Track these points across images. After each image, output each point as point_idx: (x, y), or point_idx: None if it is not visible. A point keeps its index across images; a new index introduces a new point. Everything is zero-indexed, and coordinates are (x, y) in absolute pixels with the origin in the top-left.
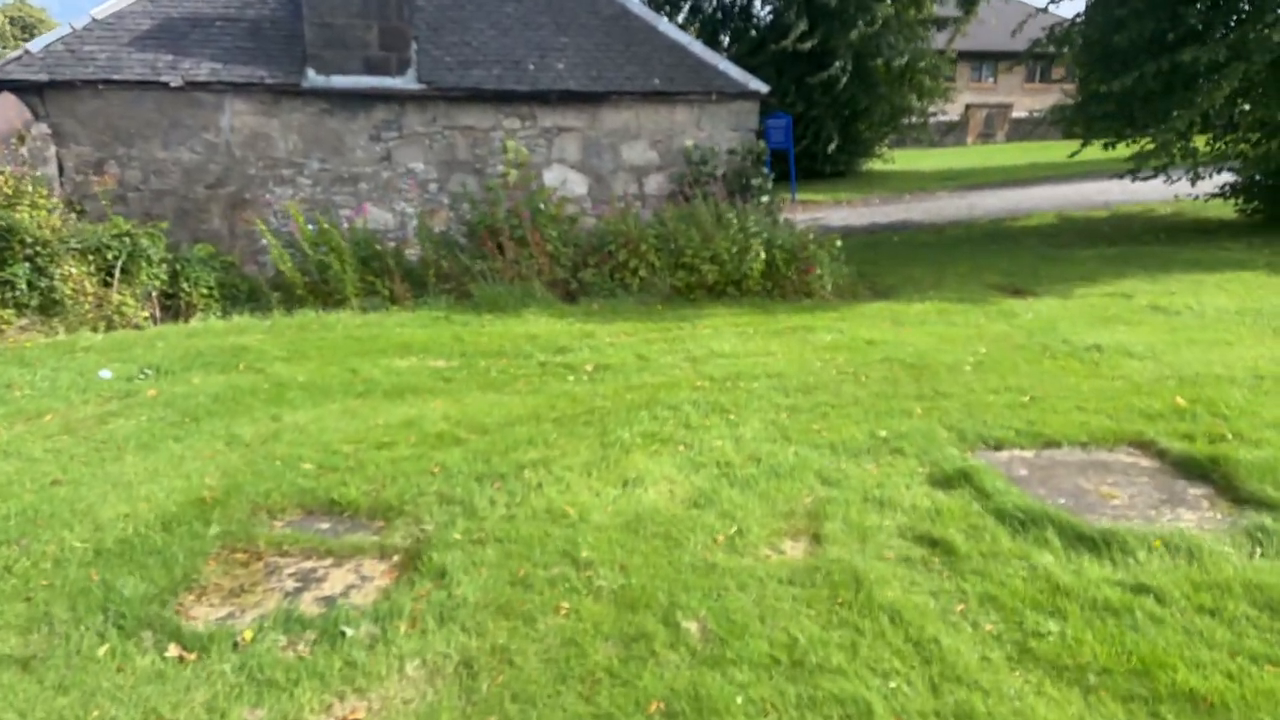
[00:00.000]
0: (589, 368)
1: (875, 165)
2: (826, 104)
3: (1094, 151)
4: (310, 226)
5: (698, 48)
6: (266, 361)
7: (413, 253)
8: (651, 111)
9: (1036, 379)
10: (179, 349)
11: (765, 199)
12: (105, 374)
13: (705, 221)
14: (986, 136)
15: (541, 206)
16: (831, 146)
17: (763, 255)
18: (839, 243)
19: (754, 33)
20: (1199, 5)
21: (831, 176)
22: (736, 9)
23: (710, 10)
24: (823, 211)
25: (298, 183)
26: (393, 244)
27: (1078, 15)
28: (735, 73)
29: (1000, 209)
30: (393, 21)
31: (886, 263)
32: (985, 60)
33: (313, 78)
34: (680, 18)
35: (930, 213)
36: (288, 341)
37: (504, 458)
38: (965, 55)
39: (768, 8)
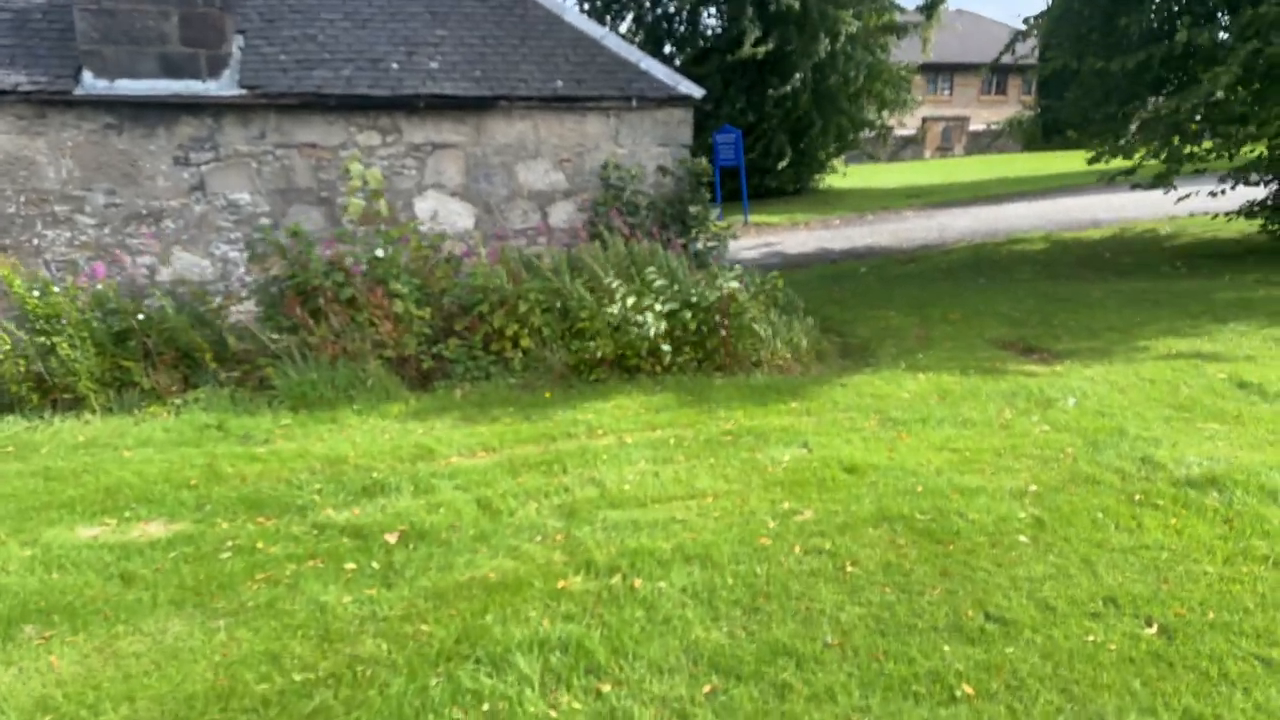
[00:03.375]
0: (392, 537)
1: (832, 181)
2: (779, 116)
3: (1068, 163)
4: (36, 292)
5: (612, 41)
6: None
7: (243, 312)
8: (555, 122)
9: (1147, 566)
10: None
11: (702, 234)
12: None
13: (601, 271)
14: (944, 150)
15: (380, 253)
16: (784, 162)
17: (659, 324)
18: (781, 284)
19: (701, 42)
20: None
21: (786, 194)
22: (681, 17)
23: (652, 20)
24: (778, 235)
25: (76, 222)
26: (216, 299)
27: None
28: (660, 73)
29: (976, 230)
30: (198, 7)
31: (856, 304)
32: (941, 72)
33: (90, 83)
34: (624, 27)
35: (898, 236)
36: None
37: None
38: (921, 68)
39: (715, 17)
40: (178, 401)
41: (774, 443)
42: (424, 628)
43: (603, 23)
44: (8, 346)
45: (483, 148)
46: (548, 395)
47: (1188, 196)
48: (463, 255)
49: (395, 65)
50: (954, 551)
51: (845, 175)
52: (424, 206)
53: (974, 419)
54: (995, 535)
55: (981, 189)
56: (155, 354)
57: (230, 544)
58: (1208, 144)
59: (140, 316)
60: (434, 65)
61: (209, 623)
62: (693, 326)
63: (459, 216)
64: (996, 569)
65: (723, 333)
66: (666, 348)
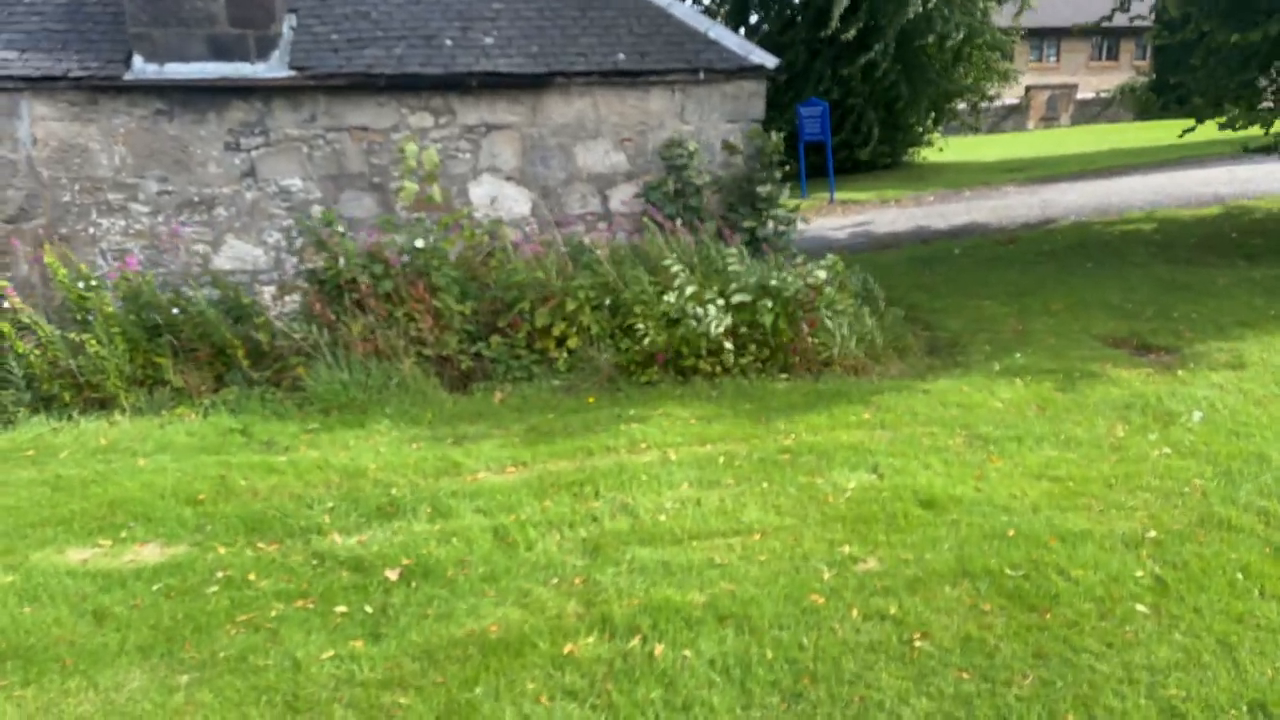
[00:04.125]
0: (394, 574)
1: (927, 155)
2: (867, 91)
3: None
4: (80, 282)
5: (680, 9)
6: None
7: (296, 302)
8: (615, 99)
9: None
10: None
11: (773, 219)
12: None
13: (663, 255)
14: (1049, 120)
15: (420, 243)
16: (873, 139)
17: (724, 319)
18: (871, 283)
19: (789, 10)
20: None
21: (877, 169)
22: None
23: None
24: (867, 213)
25: (130, 211)
26: (269, 288)
27: None
28: (731, 41)
29: (1083, 207)
30: None
31: (946, 290)
32: (1046, 38)
33: (140, 68)
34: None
35: (997, 213)
36: None
37: None
38: (1026, 32)
39: None
40: (207, 402)
41: (838, 464)
42: (403, 700)
43: None
44: (36, 343)
45: (539, 128)
46: (590, 400)
47: None
48: (517, 244)
49: (449, 42)
50: (1052, 623)
51: (942, 149)
52: (479, 192)
53: (1079, 438)
54: (1105, 602)
55: (1090, 161)
56: (188, 350)
57: (221, 575)
58: None
59: (175, 311)
60: (489, 41)
61: (172, 678)
62: (768, 321)
63: (515, 202)
64: (1106, 650)
65: (804, 327)
66: (729, 345)
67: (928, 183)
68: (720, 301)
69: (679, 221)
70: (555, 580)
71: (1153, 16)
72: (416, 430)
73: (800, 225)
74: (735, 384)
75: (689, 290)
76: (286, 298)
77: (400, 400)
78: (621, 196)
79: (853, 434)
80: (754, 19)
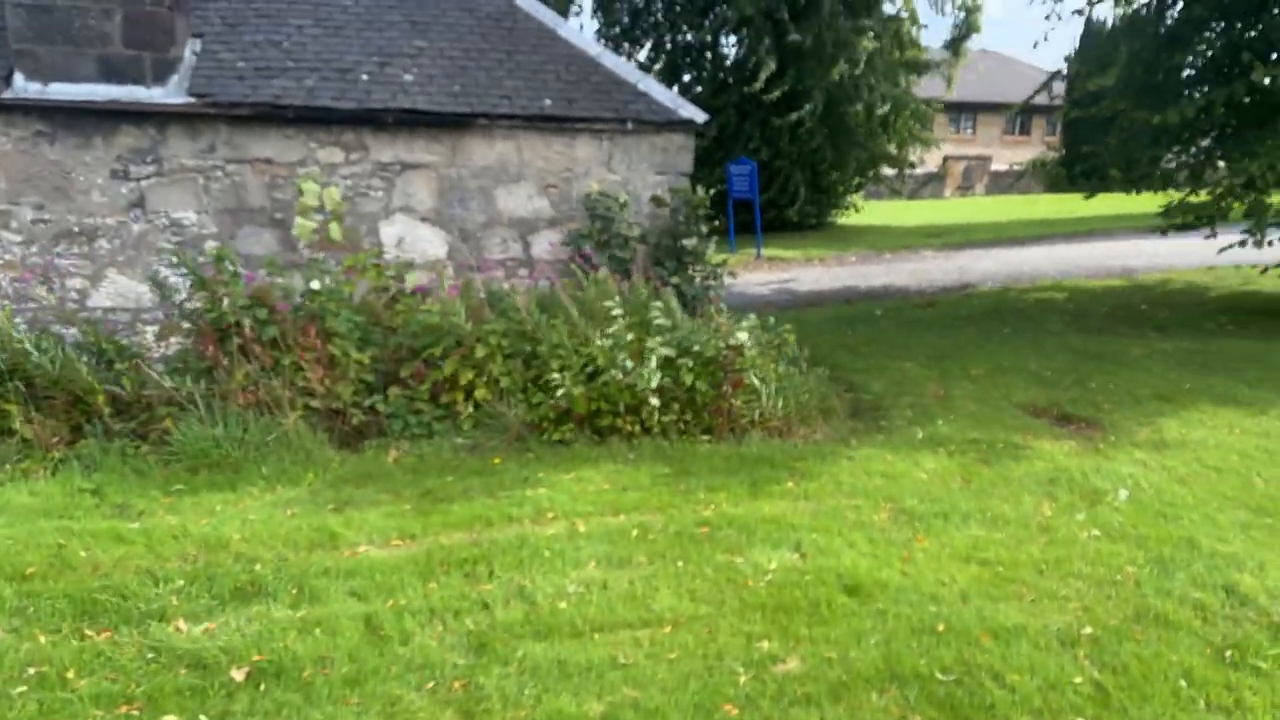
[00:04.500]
0: (240, 674)
1: (849, 218)
2: (795, 152)
3: (1094, 206)
4: None
5: (609, 59)
6: None
7: (178, 343)
8: (541, 144)
9: None
10: None
11: (699, 274)
12: None
13: (580, 312)
14: (966, 189)
15: (314, 285)
16: (800, 199)
17: (656, 374)
18: (792, 339)
19: (720, 74)
20: None
21: (803, 229)
22: (701, 46)
23: (671, 49)
24: (791, 271)
25: (1, 240)
26: (152, 328)
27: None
28: (660, 94)
29: (998, 274)
30: (145, 6)
31: (869, 351)
32: (964, 111)
33: (21, 86)
34: (642, 55)
35: (916, 276)
36: None
37: None
38: (944, 106)
39: (734, 47)
40: (58, 457)
41: (760, 541)
42: None
43: (621, 52)
44: None
45: (459, 169)
46: (496, 461)
47: (1230, 247)
48: (418, 290)
49: (365, 76)
50: None
51: (863, 211)
52: (390, 232)
53: (1006, 516)
54: (1043, 714)
55: (1004, 230)
56: (43, 398)
57: (34, 671)
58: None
59: (31, 352)
60: (408, 78)
61: None
62: (688, 381)
63: (429, 244)
64: None
65: (727, 389)
66: (655, 402)
67: (850, 244)
68: (659, 351)
69: (603, 270)
70: (431, 684)
71: (1064, 97)
72: (295, 493)
73: (728, 280)
74: (655, 445)
75: (627, 337)
76: (171, 339)
77: (280, 458)
78: (544, 243)
79: (775, 505)
80: (687, 78)
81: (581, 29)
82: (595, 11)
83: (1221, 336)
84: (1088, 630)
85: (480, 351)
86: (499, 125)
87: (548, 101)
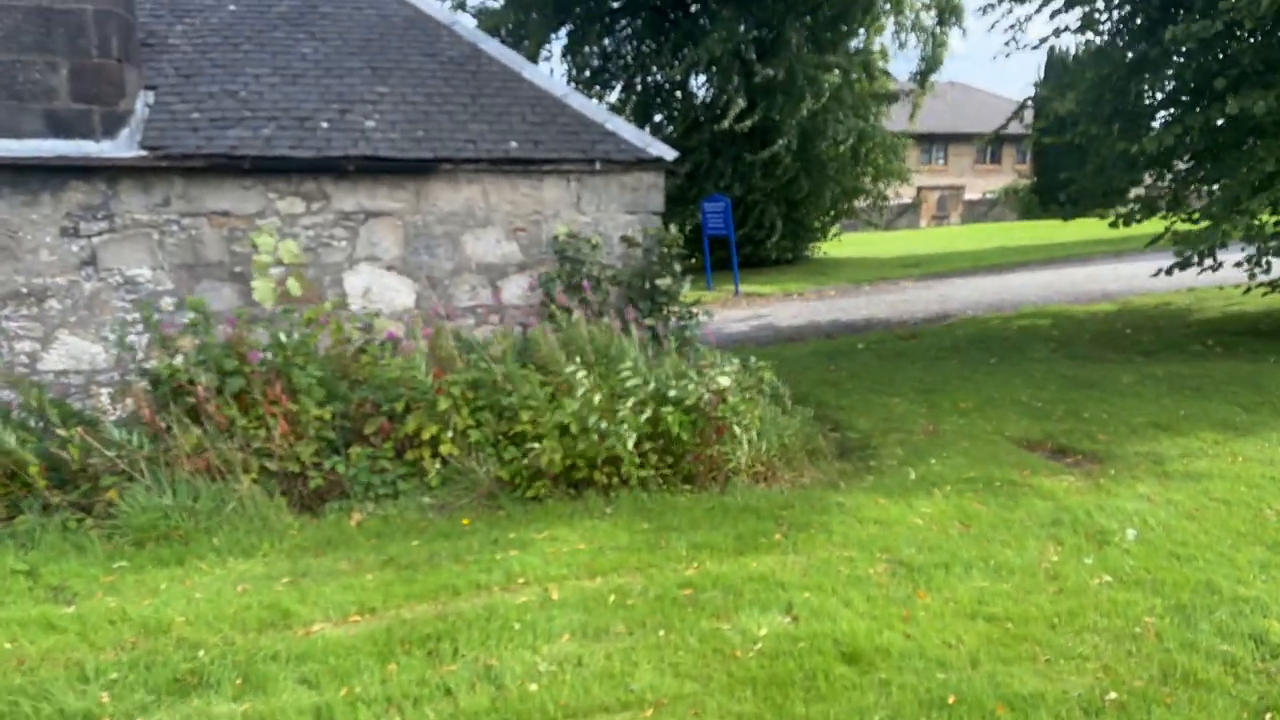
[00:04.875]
0: None
1: (827, 250)
2: (769, 187)
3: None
4: None
5: (576, 100)
6: None
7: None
8: (508, 187)
9: None
10: None
11: (673, 312)
12: None
13: (559, 357)
14: (940, 219)
15: (283, 338)
16: (776, 231)
17: (630, 435)
18: (770, 377)
19: (692, 113)
20: (1258, 39)
21: (780, 263)
22: (671, 86)
23: (642, 90)
24: (770, 306)
25: None
26: (108, 390)
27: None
28: (629, 133)
29: (980, 302)
30: (93, 59)
31: (853, 388)
32: (935, 142)
33: None
34: (613, 97)
35: (897, 308)
36: None
37: None
38: (916, 137)
39: (704, 87)
40: None
41: (748, 603)
42: None
43: (592, 95)
44: None
45: (424, 216)
46: (465, 522)
47: (1206, 270)
48: (389, 338)
49: (325, 124)
50: None
51: (840, 243)
52: (356, 282)
53: (1011, 563)
54: None
55: (982, 258)
56: None
57: None
58: (1268, 216)
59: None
60: (370, 124)
61: None
62: (674, 430)
63: (396, 293)
64: None
65: (710, 435)
66: (634, 459)
67: (829, 277)
68: (631, 409)
69: (576, 314)
70: None
71: (1032, 125)
72: (247, 566)
73: (704, 319)
74: (633, 498)
75: (595, 399)
76: (128, 401)
77: (234, 528)
78: (515, 288)
79: (763, 561)
80: (658, 118)
81: (551, 73)
82: (565, 56)
83: (1210, 359)
84: (1112, 696)
85: (443, 404)
86: (464, 170)
87: (513, 144)
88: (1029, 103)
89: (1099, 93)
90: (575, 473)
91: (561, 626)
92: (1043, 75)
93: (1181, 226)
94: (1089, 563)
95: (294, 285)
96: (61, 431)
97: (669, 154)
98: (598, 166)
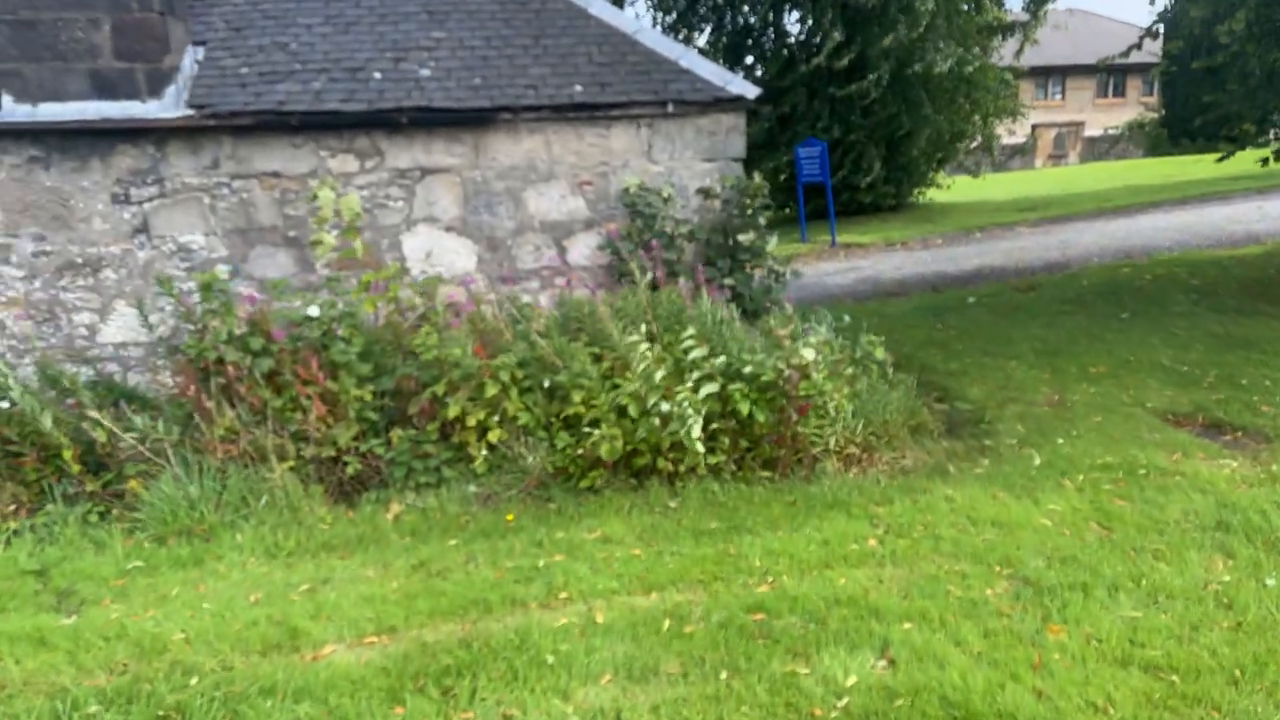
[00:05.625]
0: None
1: (934, 195)
2: (867, 127)
3: (1204, 169)
4: None
5: (648, 36)
6: None
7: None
8: (572, 136)
9: None
10: None
11: (761, 271)
12: None
13: (608, 328)
14: (1058, 158)
15: (314, 311)
16: (872, 176)
17: (699, 418)
18: (879, 353)
19: (785, 52)
20: None
21: (881, 210)
22: (766, 26)
23: (732, 31)
24: (870, 258)
25: (2, 275)
26: (166, 364)
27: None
28: (706, 70)
29: (1106, 248)
30: (134, 13)
31: (963, 347)
32: (1052, 75)
33: (9, 109)
34: (702, 40)
35: (1012, 256)
36: None
37: None
38: (1030, 71)
39: (799, 23)
40: (14, 527)
41: (832, 639)
42: None
43: (680, 39)
44: None
45: (483, 171)
46: (510, 518)
47: None
48: (455, 304)
49: (378, 75)
50: None
51: (948, 188)
52: (414, 244)
53: (1169, 585)
54: None
55: (1106, 199)
56: (13, 455)
57: None
58: None
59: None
60: (424, 73)
61: None
62: (743, 410)
63: (457, 255)
64: None
65: (791, 415)
66: (700, 446)
67: (935, 224)
68: (697, 393)
69: (648, 276)
70: None
71: (1163, 46)
72: (267, 569)
73: (800, 271)
74: (702, 489)
75: (657, 376)
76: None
77: (261, 521)
78: (582, 248)
79: (853, 576)
80: (750, 60)
81: (637, 17)
82: None
83: None
84: None
85: (490, 389)
86: (524, 119)
87: (578, 88)
88: (1166, 13)
89: (1266, 7)
90: (637, 459)
91: (603, 662)
92: None
93: None
94: (1272, 585)
95: (359, 246)
96: (94, 414)
97: (750, 91)
98: (670, 109)
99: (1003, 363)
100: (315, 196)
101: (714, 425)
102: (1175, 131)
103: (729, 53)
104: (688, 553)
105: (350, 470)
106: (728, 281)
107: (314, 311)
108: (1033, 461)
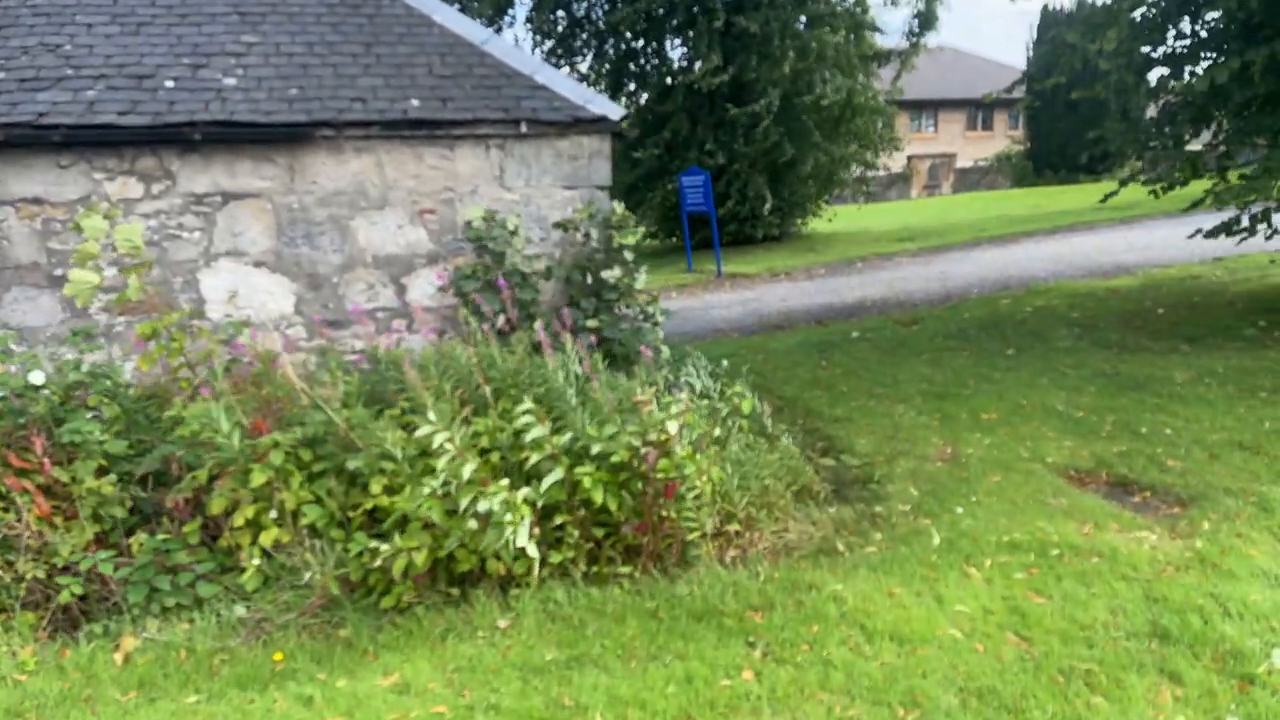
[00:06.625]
0: None
1: (817, 225)
2: (751, 155)
3: (1068, 199)
4: None
5: (498, 46)
6: None
7: None
8: (410, 157)
9: None
10: None
11: (626, 311)
12: None
13: (420, 399)
14: (932, 188)
15: (37, 377)
16: (766, 205)
17: (520, 527)
18: (746, 406)
19: (667, 77)
20: None
21: (766, 241)
22: (647, 53)
23: (615, 58)
24: (756, 289)
25: None
26: None
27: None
28: (564, 87)
29: (984, 279)
30: None
31: (850, 390)
32: (925, 109)
33: None
34: (584, 67)
35: (894, 288)
36: None
37: None
38: (904, 103)
39: (681, 49)
40: None
41: None
42: None
43: (560, 66)
44: None
45: (300, 196)
46: (278, 657)
47: (1215, 233)
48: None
49: (170, 83)
50: None
51: (830, 220)
52: (215, 283)
53: None
54: None
55: (981, 229)
56: None
57: None
58: None
59: None
60: (229, 82)
61: None
62: (596, 499)
63: (269, 296)
64: None
65: (651, 497)
66: (534, 553)
67: (819, 254)
68: (518, 495)
69: (502, 318)
70: None
71: (1026, 84)
72: None
73: (672, 310)
74: (542, 598)
75: (466, 472)
76: None
77: None
78: (424, 286)
79: None
80: (632, 86)
81: (517, 42)
82: (528, 23)
83: (1270, 345)
84: None
85: (258, 477)
86: (350, 136)
87: (414, 102)
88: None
89: (1133, 39)
90: (457, 565)
91: None
92: (1035, 35)
93: (1233, 179)
94: None
95: (135, 285)
96: None
97: (614, 112)
98: (524, 129)
99: (890, 407)
100: (78, 226)
101: (560, 517)
102: (1040, 163)
103: (611, 79)
104: (509, 706)
105: (65, 597)
106: (591, 324)
107: (37, 378)
108: (931, 540)
